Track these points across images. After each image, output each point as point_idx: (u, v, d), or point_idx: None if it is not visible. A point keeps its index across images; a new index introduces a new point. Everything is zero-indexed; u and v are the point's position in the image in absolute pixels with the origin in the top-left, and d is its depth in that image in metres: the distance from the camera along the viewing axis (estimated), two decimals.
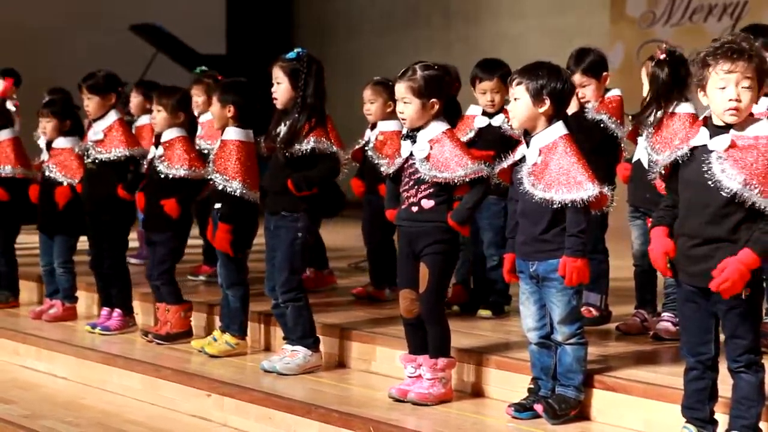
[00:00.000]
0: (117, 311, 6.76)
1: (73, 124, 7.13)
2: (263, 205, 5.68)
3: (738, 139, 3.81)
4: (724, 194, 3.78)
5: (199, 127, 7.27)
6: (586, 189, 4.36)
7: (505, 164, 4.64)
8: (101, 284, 6.85)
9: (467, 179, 4.79)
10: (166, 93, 6.37)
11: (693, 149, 3.91)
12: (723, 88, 3.80)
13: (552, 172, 4.42)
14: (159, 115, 6.30)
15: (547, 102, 4.47)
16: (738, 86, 3.78)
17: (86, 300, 7.49)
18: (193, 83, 7.62)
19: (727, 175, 3.78)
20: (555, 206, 4.41)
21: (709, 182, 3.81)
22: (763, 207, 3.75)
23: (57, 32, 14.30)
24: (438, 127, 4.87)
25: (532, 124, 4.52)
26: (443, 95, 4.89)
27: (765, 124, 3.83)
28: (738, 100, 3.78)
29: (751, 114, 3.85)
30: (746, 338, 3.89)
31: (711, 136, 3.87)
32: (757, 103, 3.88)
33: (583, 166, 4.41)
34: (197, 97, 7.42)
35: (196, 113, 7.29)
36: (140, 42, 13.58)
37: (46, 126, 7.05)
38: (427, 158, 4.84)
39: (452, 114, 5.02)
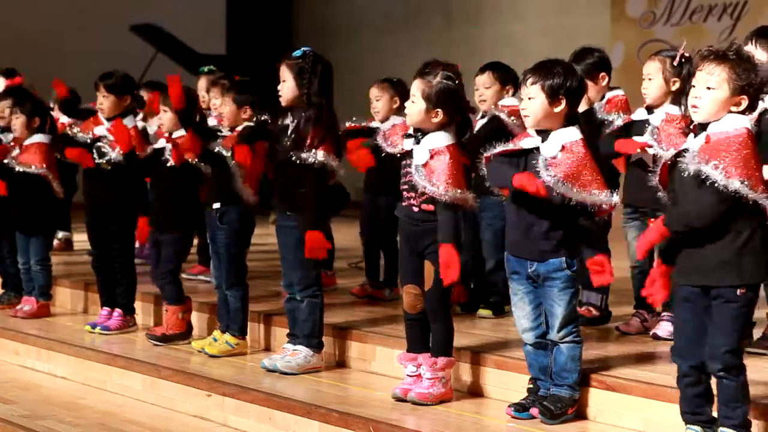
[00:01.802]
0: (117, 311, 6.76)
1: (43, 122, 7.22)
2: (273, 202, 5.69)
3: (714, 135, 3.89)
4: (690, 179, 3.84)
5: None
6: (597, 194, 4.37)
7: (508, 147, 4.56)
8: (103, 284, 6.85)
9: (445, 201, 4.73)
10: None
11: (679, 154, 3.98)
12: (693, 86, 3.95)
13: (572, 170, 4.37)
14: (165, 116, 6.32)
15: (563, 101, 4.44)
16: (702, 86, 3.90)
17: (84, 299, 7.49)
18: (211, 85, 7.56)
19: (695, 162, 3.85)
20: (558, 203, 4.37)
21: (685, 177, 3.88)
22: (718, 185, 3.79)
23: (57, 32, 14.30)
24: (444, 140, 4.80)
25: (548, 124, 4.47)
26: (451, 109, 4.81)
27: (741, 117, 3.90)
28: (698, 98, 3.91)
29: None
30: (730, 336, 3.91)
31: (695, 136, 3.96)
32: (736, 108, 3.91)
33: (597, 173, 4.41)
34: (215, 99, 7.35)
35: (214, 114, 7.26)
36: (140, 42, 13.58)
37: (15, 122, 7.18)
38: (425, 165, 4.80)
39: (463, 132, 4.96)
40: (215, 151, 5.98)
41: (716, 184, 3.80)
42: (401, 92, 6.81)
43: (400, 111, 6.76)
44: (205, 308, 6.64)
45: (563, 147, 4.42)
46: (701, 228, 3.88)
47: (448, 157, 4.77)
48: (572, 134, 4.45)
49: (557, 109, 4.45)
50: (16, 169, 7.08)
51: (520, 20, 13.56)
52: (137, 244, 8.49)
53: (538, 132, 4.51)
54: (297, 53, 5.49)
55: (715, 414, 4.07)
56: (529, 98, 4.47)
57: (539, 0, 13.48)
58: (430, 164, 4.79)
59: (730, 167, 3.80)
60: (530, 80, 4.48)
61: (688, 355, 4.03)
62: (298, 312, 5.59)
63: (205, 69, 8.06)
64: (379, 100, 6.81)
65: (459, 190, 4.74)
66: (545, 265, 4.51)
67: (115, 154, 6.51)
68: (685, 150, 3.96)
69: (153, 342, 6.35)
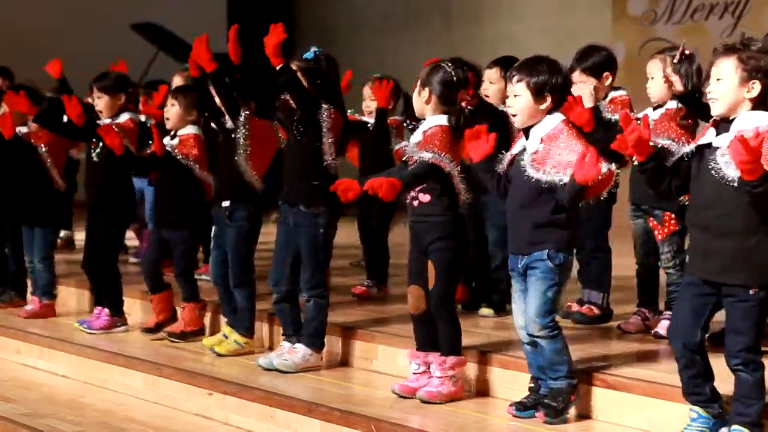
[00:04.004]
0: (105, 311, 6.76)
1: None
2: (279, 196, 5.70)
3: (740, 133, 3.85)
4: (732, 185, 3.85)
5: None
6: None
7: (506, 159, 4.62)
8: (93, 282, 6.86)
9: (430, 162, 4.80)
10: (182, 90, 6.49)
11: (700, 148, 4.02)
12: (709, 83, 4.03)
13: (556, 156, 4.41)
14: (172, 110, 6.34)
15: (549, 98, 4.47)
16: (713, 80, 3.98)
17: (90, 299, 7.48)
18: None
19: (731, 168, 3.86)
20: (560, 184, 4.37)
21: (719, 179, 3.91)
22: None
23: (57, 32, 14.28)
24: (435, 121, 4.91)
25: (534, 120, 4.51)
26: (439, 91, 4.90)
27: (764, 114, 3.93)
28: (711, 92, 3.99)
29: (758, 107, 3.94)
30: (746, 335, 3.94)
31: (718, 134, 3.99)
32: (748, 95, 3.93)
33: (585, 146, 4.40)
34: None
35: None
36: (141, 42, 13.57)
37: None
38: (417, 144, 4.91)
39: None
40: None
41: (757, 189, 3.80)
42: (395, 93, 6.85)
43: (393, 111, 6.82)
44: (210, 307, 6.62)
45: (542, 140, 4.46)
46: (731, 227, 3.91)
47: (438, 132, 4.85)
48: (552, 122, 4.48)
49: (543, 106, 4.49)
50: (31, 142, 7.12)
51: (520, 20, 13.55)
52: (135, 243, 8.56)
53: (525, 129, 4.54)
54: (308, 55, 5.51)
55: (715, 393, 4.10)
56: (515, 96, 4.51)
57: (540, 0, 13.48)
58: (420, 141, 4.88)
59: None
60: (515, 78, 4.52)
61: (682, 336, 4.05)
62: (304, 311, 5.59)
63: (185, 67, 8.07)
64: (374, 99, 6.82)
65: (441, 153, 4.79)
66: (529, 258, 4.51)
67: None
68: (707, 146, 3.99)
69: (171, 340, 6.37)
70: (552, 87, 4.47)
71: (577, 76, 5.63)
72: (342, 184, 4.83)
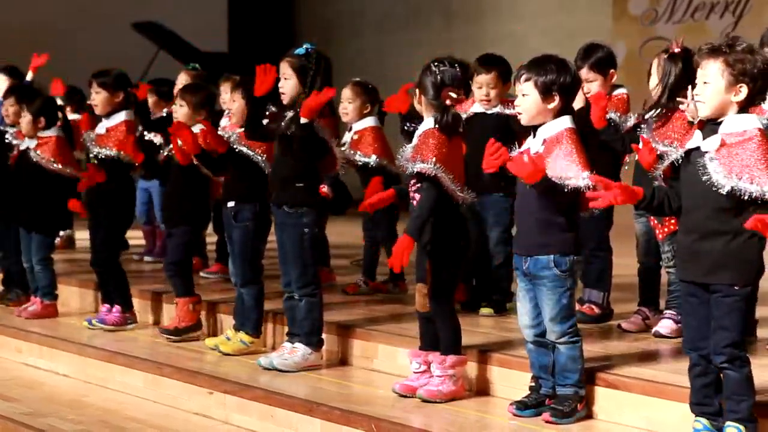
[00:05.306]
0: (116, 307, 6.77)
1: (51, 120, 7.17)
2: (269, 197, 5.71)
3: (728, 137, 3.92)
4: (722, 192, 3.88)
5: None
6: (578, 178, 4.35)
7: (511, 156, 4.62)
8: (101, 280, 6.87)
9: (415, 171, 4.80)
10: (190, 90, 6.46)
11: (688, 152, 4.03)
12: (696, 84, 4.03)
13: (551, 160, 4.40)
14: (181, 110, 6.34)
15: (557, 97, 4.45)
16: (700, 82, 3.98)
17: (94, 298, 7.49)
18: (223, 80, 7.56)
19: (720, 174, 3.88)
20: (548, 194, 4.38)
21: (706, 183, 3.92)
22: (756, 195, 3.84)
23: (58, 32, 14.31)
24: (425, 124, 4.91)
25: (542, 120, 4.49)
26: (430, 92, 4.89)
27: (750, 117, 3.94)
28: (698, 94, 3.99)
29: (745, 109, 3.95)
30: (732, 330, 3.94)
31: (705, 137, 3.98)
32: (736, 98, 3.92)
33: (581, 160, 4.39)
34: (225, 94, 7.32)
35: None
36: (141, 41, 13.60)
37: (22, 120, 7.15)
38: (411, 149, 4.91)
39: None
40: (236, 150, 5.98)
41: (750, 194, 3.83)
42: (373, 99, 6.88)
43: (369, 116, 6.84)
44: (211, 306, 6.63)
45: (544, 141, 4.46)
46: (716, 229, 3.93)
47: (425, 137, 4.84)
48: (558, 126, 4.46)
49: (551, 106, 4.46)
50: (35, 160, 7.04)
51: (520, 19, 13.57)
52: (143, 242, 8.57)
53: (533, 128, 4.53)
54: (299, 51, 5.50)
55: (722, 408, 4.07)
56: (523, 95, 4.49)
57: None
58: (415, 146, 4.89)
59: (763, 175, 3.83)
60: (524, 77, 4.50)
61: (696, 345, 4.06)
62: (296, 311, 5.60)
63: (190, 66, 8.08)
64: (351, 102, 6.85)
65: (426, 159, 4.76)
66: (534, 262, 4.50)
67: (106, 150, 6.55)
68: (695, 149, 3.99)
69: (166, 336, 6.36)
70: (560, 86, 4.44)
71: (584, 73, 5.63)
72: (395, 260, 4.76)
